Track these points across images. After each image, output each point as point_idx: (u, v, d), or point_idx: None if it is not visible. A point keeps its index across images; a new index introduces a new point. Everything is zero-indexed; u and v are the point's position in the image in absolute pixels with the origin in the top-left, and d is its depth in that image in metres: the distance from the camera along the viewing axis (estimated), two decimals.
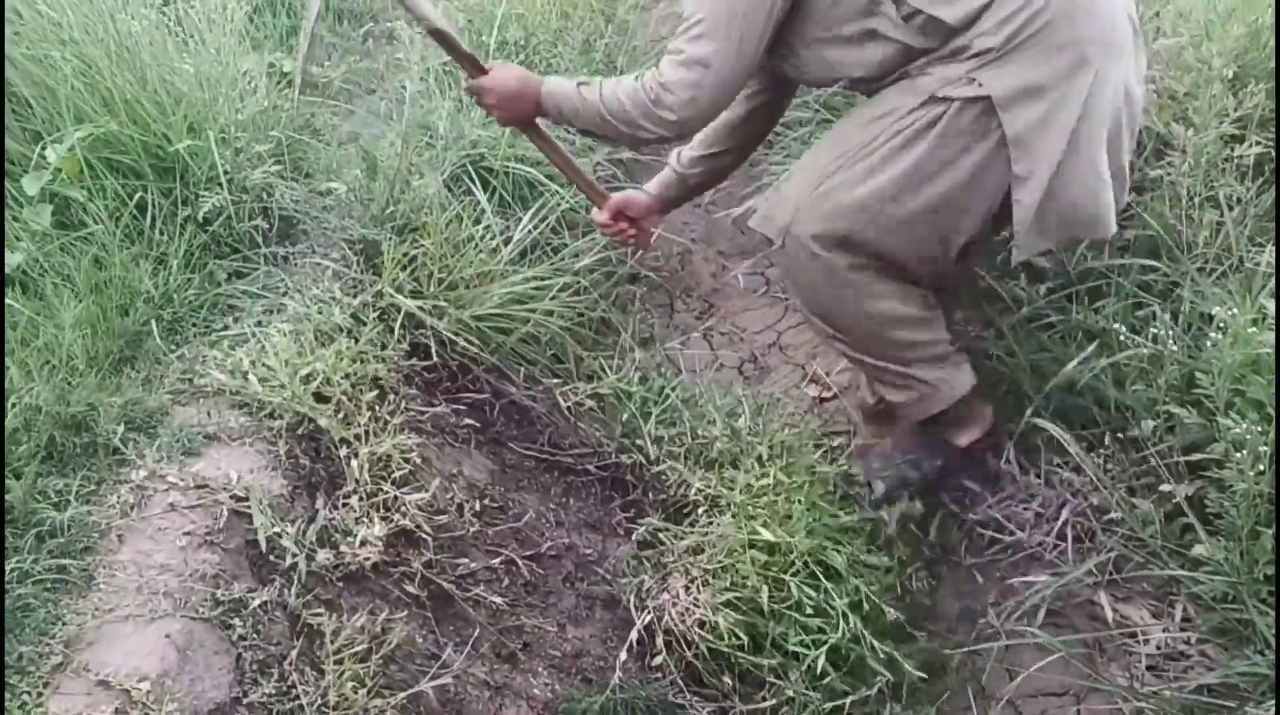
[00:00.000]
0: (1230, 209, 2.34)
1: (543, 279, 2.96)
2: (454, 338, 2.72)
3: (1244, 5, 2.51)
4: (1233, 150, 2.40)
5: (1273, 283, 2.07)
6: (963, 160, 1.98)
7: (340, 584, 2.00)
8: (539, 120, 2.41)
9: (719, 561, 2.30)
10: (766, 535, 2.28)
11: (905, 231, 2.07)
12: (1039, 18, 1.89)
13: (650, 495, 2.66)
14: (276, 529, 1.92)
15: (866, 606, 2.24)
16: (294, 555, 1.92)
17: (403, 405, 2.35)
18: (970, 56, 1.94)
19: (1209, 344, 1.94)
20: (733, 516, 2.39)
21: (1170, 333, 2.05)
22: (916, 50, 2.00)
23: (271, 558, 1.92)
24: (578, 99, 2.21)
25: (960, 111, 1.94)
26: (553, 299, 2.92)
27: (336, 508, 2.08)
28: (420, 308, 2.64)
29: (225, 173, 2.58)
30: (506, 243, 2.98)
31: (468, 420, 2.54)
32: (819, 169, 2.11)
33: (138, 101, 2.56)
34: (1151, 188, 2.51)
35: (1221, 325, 1.92)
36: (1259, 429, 1.74)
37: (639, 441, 2.68)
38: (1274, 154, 2.41)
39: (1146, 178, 2.52)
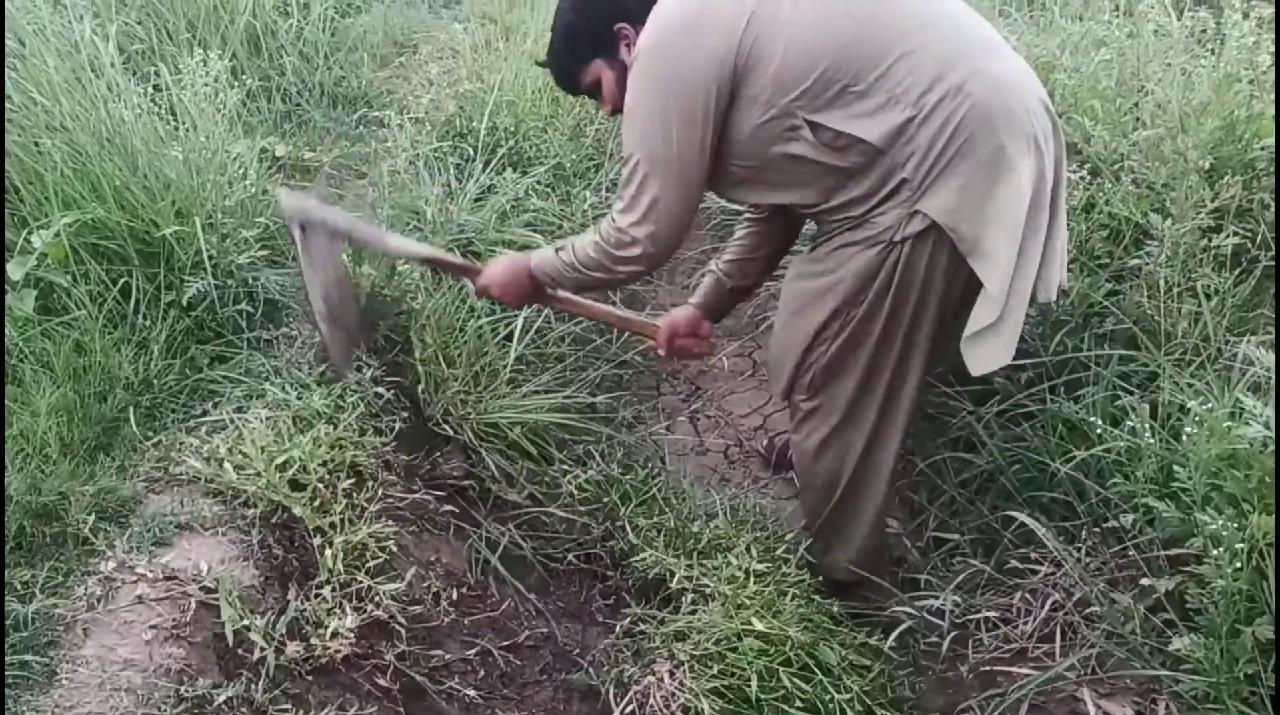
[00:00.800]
0: (1209, 299, 2.35)
1: (530, 367, 2.98)
2: (438, 422, 2.73)
3: (1218, 100, 2.55)
4: (1210, 241, 2.42)
5: (1249, 375, 2.07)
6: (927, 289, 2.08)
7: (310, 677, 1.97)
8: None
9: (705, 649, 2.26)
10: (760, 626, 2.24)
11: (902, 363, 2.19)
12: (960, 132, 1.94)
13: (632, 584, 2.63)
14: (245, 622, 1.89)
15: (859, 705, 2.19)
16: (262, 649, 1.89)
17: (380, 492, 2.33)
18: (905, 188, 2.00)
19: (1185, 437, 1.93)
20: (721, 605, 2.35)
21: (1148, 426, 2.04)
22: (846, 172, 2.04)
23: (239, 651, 1.89)
24: (559, 263, 2.34)
25: (914, 246, 2.03)
26: (541, 389, 2.93)
27: (308, 598, 2.05)
28: (403, 391, 2.65)
29: (211, 258, 2.60)
30: (493, 329, 3.00)
31: (446, 506, 2.52)
32: (800, 340, 2.25)
33: (126, 188, 2.59)
34: (1130, 277, 2.53)
35: (1198, 419, 1.92)
36: (1235, 525, 1.72)
37: (621, 528, 2.66)
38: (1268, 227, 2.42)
39: (1125, 267, 2.54)
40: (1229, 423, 1.87)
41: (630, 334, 2.96)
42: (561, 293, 2.55)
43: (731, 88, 2.03)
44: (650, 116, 2.06)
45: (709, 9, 2.04)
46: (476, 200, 3.39)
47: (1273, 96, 2.57)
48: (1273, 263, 2.46)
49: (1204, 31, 3.24)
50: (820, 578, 2.47)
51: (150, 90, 3.03)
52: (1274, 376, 2.05)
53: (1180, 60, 2.93)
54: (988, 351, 2.04)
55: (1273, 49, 2.65)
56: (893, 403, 2.24)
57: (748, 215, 2.60)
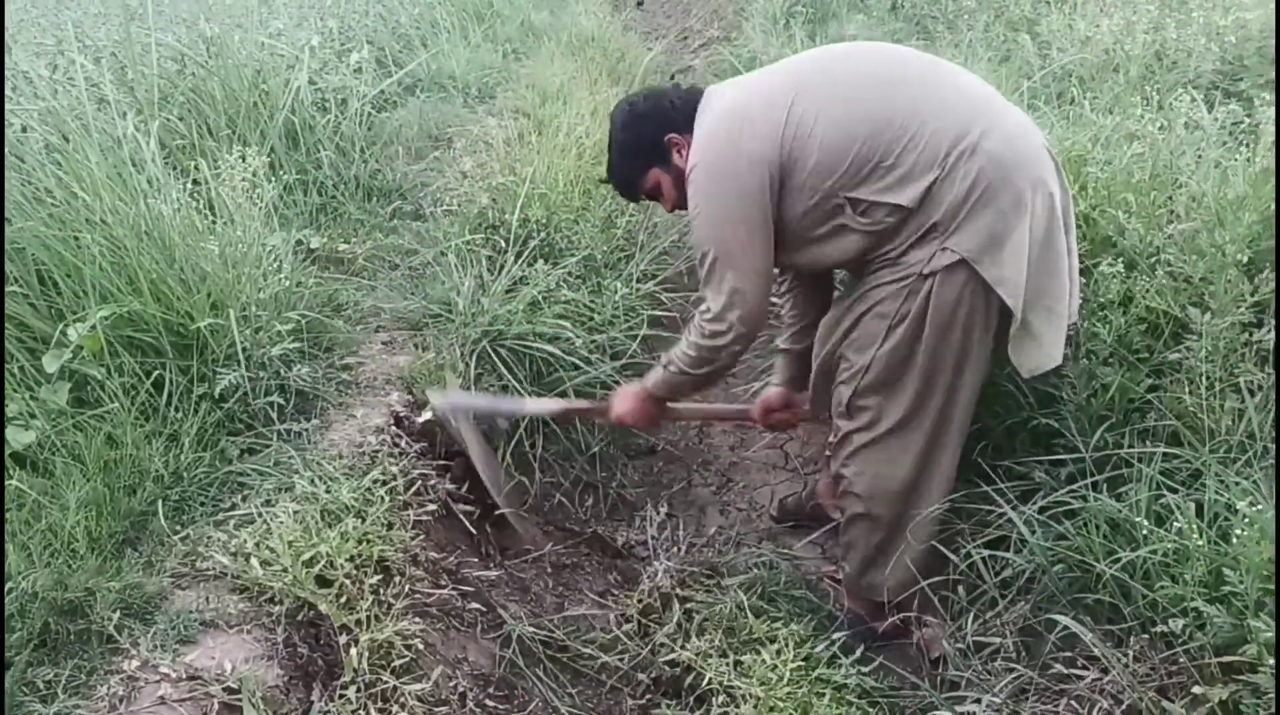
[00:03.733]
0: (1252, 395, 2.30)
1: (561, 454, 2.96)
2: (466, 510, 2.71)
3: (1254, 194, 2.53)
4: (1251, 336, 2.37)
5: None
6: (959, 315, 2.27)
7: None
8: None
9: None
10: None
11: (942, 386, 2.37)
12: (979, 183, 2.18)
13: (663, 684, 2.56)
14: None
15: None
16: None
17: (407, 588, 2.30)
18: (935, 231, 2.23)
19: (1235, 539, 1.87)
20: (754, 708, 2.29)
21: (1196, 527, 1.98)
22: (883, 232, 2.28)
23: None
24: (670, 376, 2.63)
25: (944, 280, 2.24)
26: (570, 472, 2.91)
27: (332, 699, 2.01)
28: (435, 479, 2.64)
29: (244, 350, 2.61)
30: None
31: (474, 604, 2.48)
32: (844, 364, 2.47)
33: (163, 281, 2.62)
34: (1170, 372, 2.49)
35: (1248, 521, 1.86)
36: None
37: (649, 627, 2.61)
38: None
39: (1165, 361, 2.49)
40: None
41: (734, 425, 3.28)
42: (683, 405, 2.90)
43: (780, 182, 2.30)
44: (715, 219, 2.35)
45: (750, 119, 2.32)
46: (508, 292, 3.41)
47: None
48: None
49: (1236, 124, 3.25)
50: (852, 609, 2.71)
51: (189, 184, 3.09)
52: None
53: (1214, 153, 2.92)
54: (1031, 356, 2.30)
55: None
56: (945, 423, 2.40)
57: (784, 289, 2.89)
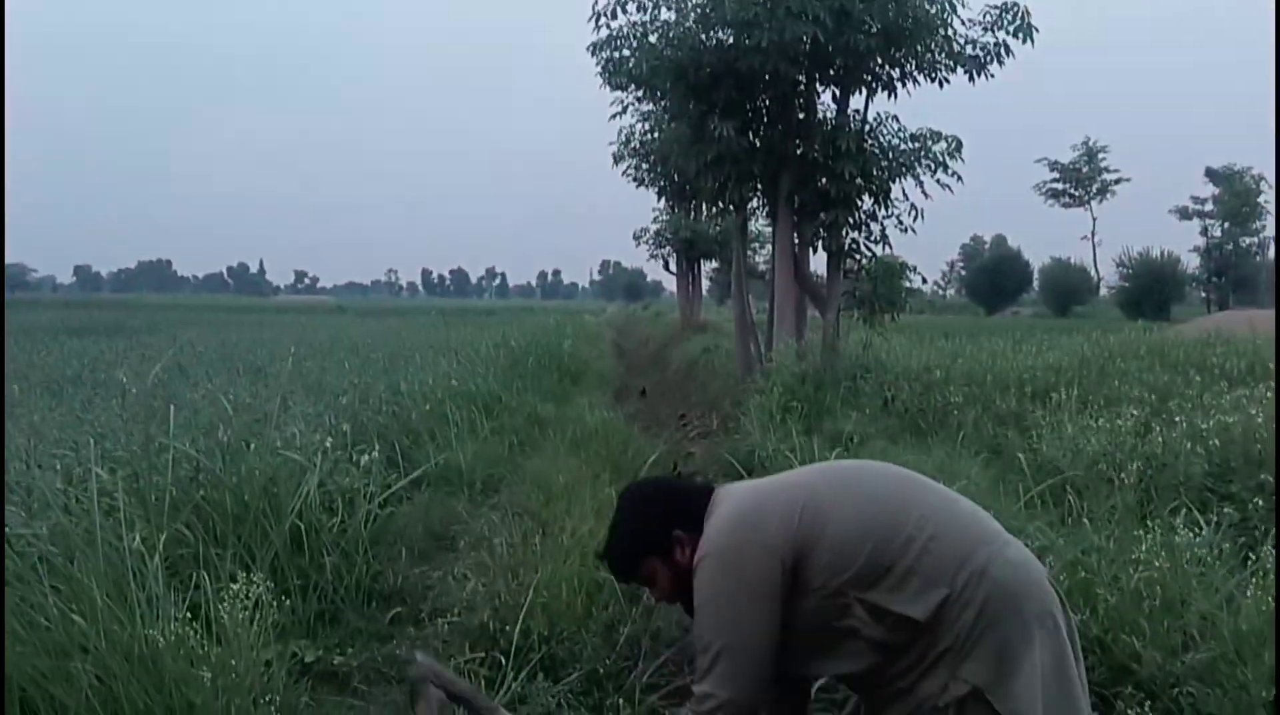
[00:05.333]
0: None
1: None
2: None
3: (1270, 629, 2.49)
4: None
5: None
6: None
7: None
8: None
9: None
10: None
11: None
12: (988, 608, 2.17)
13: None
14: None
15: None
16: None
17: None
18: (947, 656, 2.19)
19: None
20: None
21: None
22: (894, 647, 2.24)
23: None
24: None
25: (958, 709, 2.17)
26: None
27: None
28: None
29: None
30: None
31: None
32: None
33: (149, 713, 2.52)
34: None
35: None
36: None
37: None
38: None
39: None
40: None
41: None
42: None
43: (791, 575, 2.30)
44: (722, 606, 2.33)
45: (765, 513, 2.37)
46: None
47: None
48: None
49: (1233, 528, 3.26)
50: None
51: (189, 596, 3.06)
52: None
53: (1221, 579, 2.92)
54: None
55: None
56: None
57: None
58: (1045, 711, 2.15)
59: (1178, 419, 6.08)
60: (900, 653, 2.25)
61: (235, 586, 2.71)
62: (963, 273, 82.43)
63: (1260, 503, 4.07)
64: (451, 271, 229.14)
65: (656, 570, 2.55)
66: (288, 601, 3.72)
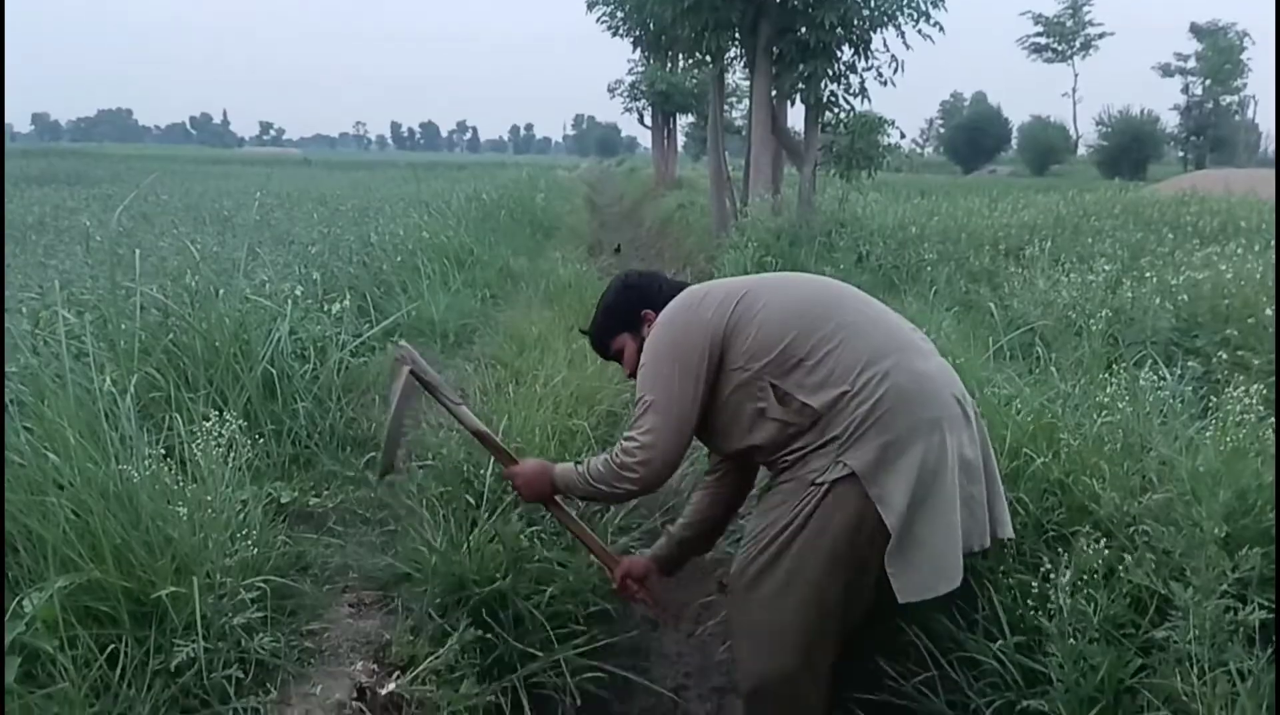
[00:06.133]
0: (1243, 679, 2.24)
1: None
2: None
3: (1227, 471, 2.56)
4: (1235, 614, 2.34)
5: None
6: (838, 523, 2.48)
7: None
8: (559, 499, 3.11)
9: None
10: None
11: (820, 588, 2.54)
12: (880, 405, 2.46)
13: None
14: None
15: None
16: None
17: None
18: (834, 443, 2.50)
19: None
20: None
21: None
22: (794, 431, 2.56)
23: None
24: (574, 474, 2.89)
25: (832, 489, 2.48)
26: None
27: None
28: None
29: (204, 619, 2.51)
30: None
31: None
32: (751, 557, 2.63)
33: (127, 546, 2.55)
34: (1158, 650, 2.43)
35: None
36: None
37: None
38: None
39: (1152, 640, 2.44)
40: None
41: (596, 561, 3.32)
42: (563, 503, 3.14)
43: (720, 355, 2.63)
44: (658, 367, 2.67)
45: (709, 298, 2.72)
46: (478, 551, 3.34)
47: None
48: None
49: (1198, 380, 3.32)
50: None
51: (163, 438, 3.07)
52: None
53: (1180, 418, 2.98)
54: (908, 583, 2.45)
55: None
56: (822, 628, 2.57)
57: (714, 477, 3.14)
58: (910, 510, 2.43)
59: (1148, 275, 6.12)
60: (798, 434, 2.56)
61: (208, 425, 2.71)
62: (941, 130, 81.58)
63: (1224, 357, 4.13)
64: (422, 125, 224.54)
65: (626, 346, 2.96)
66: (262, 443, 3.74)
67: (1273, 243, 7.11)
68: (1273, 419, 2.70)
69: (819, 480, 2.50)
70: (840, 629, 2.62)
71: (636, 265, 11.33)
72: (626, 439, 2.71)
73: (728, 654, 3.57)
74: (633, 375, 2.89)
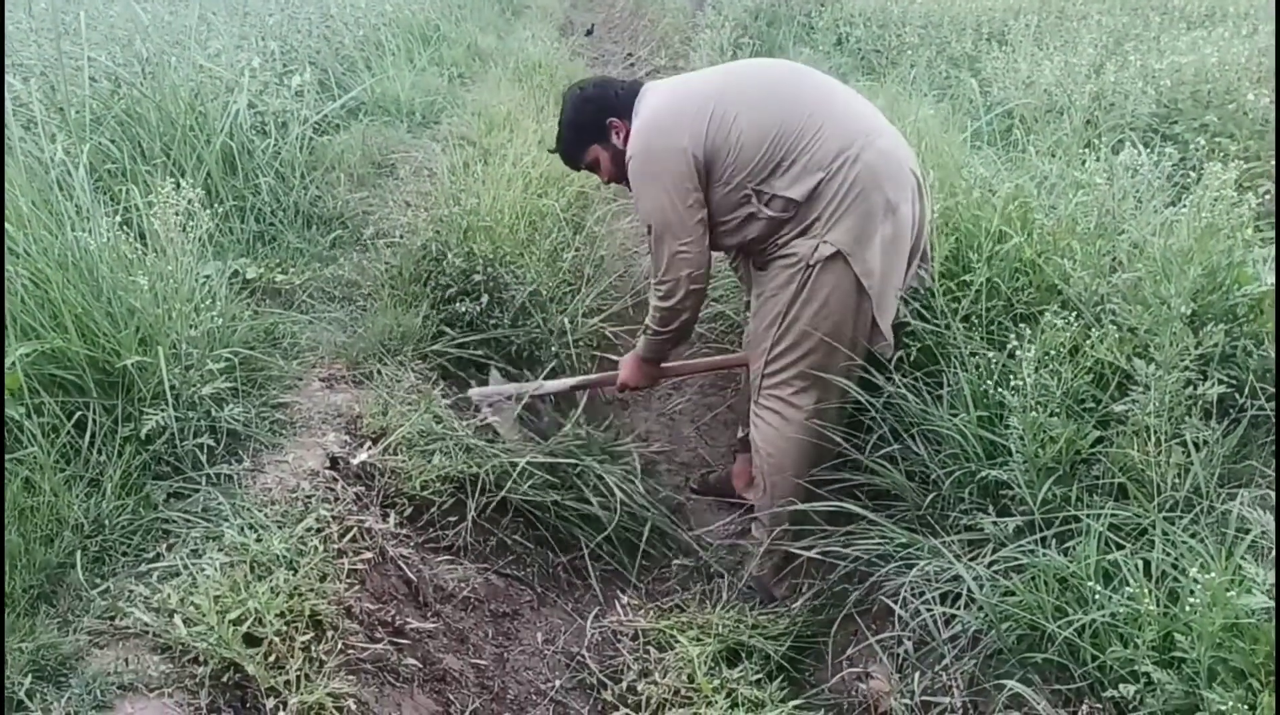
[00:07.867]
0: (1197, 450, 2.30)
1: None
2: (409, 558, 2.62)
3: (1199, 248, 2.54)
4: (1195, 389, 2.38)
5: (1248, 542, 2.01)
6: (834, 297, 2.75)
7: None
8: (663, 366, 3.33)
9: None
10: None
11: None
12: (855, 186, 2.68)
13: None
14: None
15: None
16: None
17: (340, 644, 2.20)
18: (817, 224, 2.72)
19: (1188, 607, 1.85)
20: None
21: (1145, 589, 1.96)
22: (779, 222, 2.77)
23: None
24: (650, 340, 3.11)
25: (822, 268, 2.73)
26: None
27: None
28: (372, 524, 2.55)
29: (173, 388, 2.51)
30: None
31: (410, 659, 2.39)
32: (760, 338, 2.92)
33: (88, 316, 2.51)
34: (1117, 423, 2.48)
35: (1199, 585, 1.85)
36: (1245, 706, 1.64)
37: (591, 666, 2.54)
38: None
39: (1111, 413, 2.49)
40: (1231, 591, 1.80)
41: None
42: (676, 363, 3.40)
43: (705, 169, 2.77)
44: (652, 197, 2.81)
45: (679, 116, 2.80)
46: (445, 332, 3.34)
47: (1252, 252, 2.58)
48: (1259, 412, 2.42)
49: (1175, 167, 3.27)
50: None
51: (120, 212, 2.97)
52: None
53: (1155, 201, 2.94)
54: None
55: (1252, 201, 2.67)
56: (826, 389, 2.85)
57: (732, 263, 3.33)
58: (881, 279, 2.73)
59: (1132, 59, 5.95)
60: (784, 223, 2.77)
61: (164, 192, 2.62)
62: None
63: (1202, 143, 4.06)
64: None
65: (599, 156, 3.05)
66: (224, 217, 3.65)
67: (1263, 26, 6.90)
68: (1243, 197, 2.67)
69: (811, 261, 2.74)
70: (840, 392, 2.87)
71: (609, 47, 10.92)
72: (656, 273, 2.90)
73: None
74: (610, 181, 3.10)
